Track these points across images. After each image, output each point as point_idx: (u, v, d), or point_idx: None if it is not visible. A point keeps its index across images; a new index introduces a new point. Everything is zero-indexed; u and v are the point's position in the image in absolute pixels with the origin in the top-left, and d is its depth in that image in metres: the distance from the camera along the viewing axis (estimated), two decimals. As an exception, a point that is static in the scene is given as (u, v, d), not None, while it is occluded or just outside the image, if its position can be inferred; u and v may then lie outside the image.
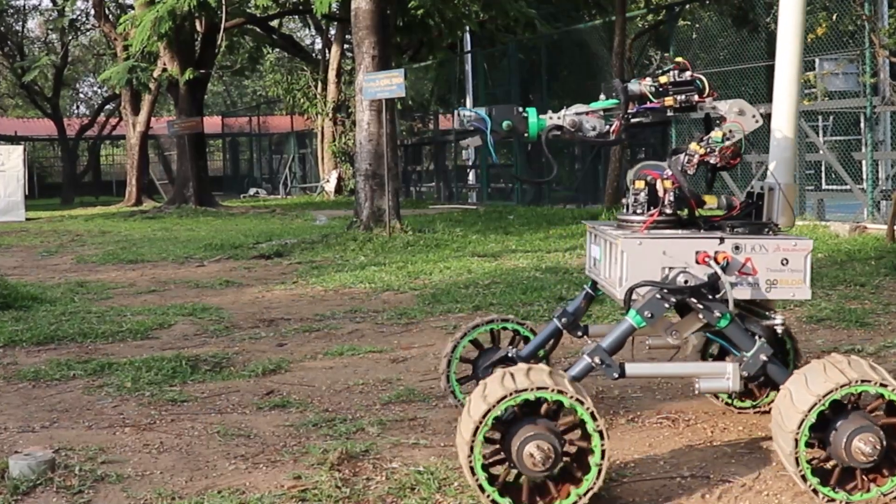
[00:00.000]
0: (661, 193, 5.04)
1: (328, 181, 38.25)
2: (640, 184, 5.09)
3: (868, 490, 4.39)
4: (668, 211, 5.02)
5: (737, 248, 4.87)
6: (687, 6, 24.12)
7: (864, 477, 4.40)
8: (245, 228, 22.92)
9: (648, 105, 5.15)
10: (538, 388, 4.32)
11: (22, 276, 14.58)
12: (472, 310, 9.90)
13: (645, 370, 5.11)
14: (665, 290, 4.75)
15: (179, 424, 6.06)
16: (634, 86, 5.14)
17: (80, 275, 14.46)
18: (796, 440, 4.31)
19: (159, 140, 52.36)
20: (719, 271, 4.77)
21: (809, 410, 4.29)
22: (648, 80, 5.15)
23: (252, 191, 46.87)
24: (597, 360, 4.75)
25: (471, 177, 33.87)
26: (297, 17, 48.21)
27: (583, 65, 30.03)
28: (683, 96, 5.10)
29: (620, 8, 22.31)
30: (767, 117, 5.51)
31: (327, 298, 11.28)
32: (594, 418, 4.30)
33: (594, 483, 4.29)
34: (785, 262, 4.86)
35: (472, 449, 4.28)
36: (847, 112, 19.35)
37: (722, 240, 4.87)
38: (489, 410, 4.27)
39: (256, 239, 19.01)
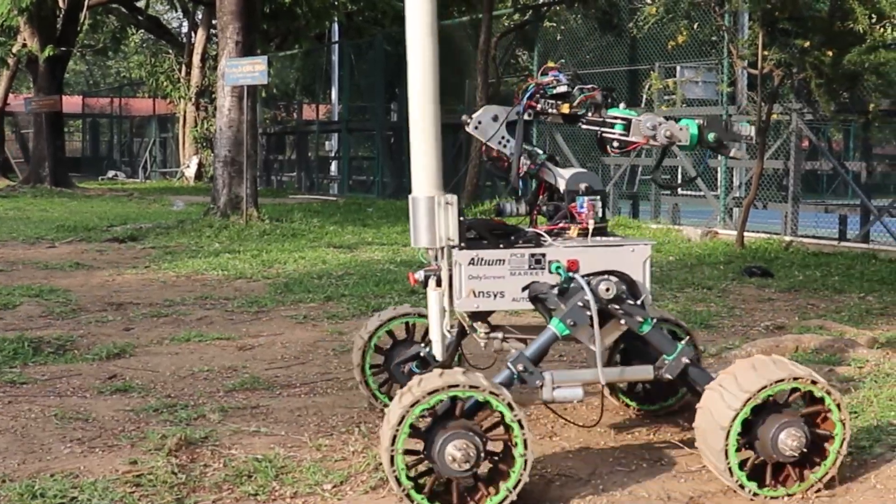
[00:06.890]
0: None
1: (188, 166, 37.77)
2: None
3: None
4: None
5: None
6: (554, 7, 24.35)
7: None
8: (101, 211, 22.51)
9: None
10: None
11: None
12: (323, 300, 9.91)
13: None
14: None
15: (16, 406, 5.95)
16: None
17: (-75, 252, 14.09)
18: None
19: (16, 117, 51.17)
20: None
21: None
22: None
23: (111, 173, 46.02)
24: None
25: (332, 168, 33.76)
26: (164, -2, 47.59)
27: (449, 60, 30.14)
28: None
29: (487, 6, 22.43)
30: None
31: (179, 284, 11.17)
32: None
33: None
34: None
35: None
36: (704, 120, 19.73)
37: None
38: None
39: (111, 222, 18.71)
